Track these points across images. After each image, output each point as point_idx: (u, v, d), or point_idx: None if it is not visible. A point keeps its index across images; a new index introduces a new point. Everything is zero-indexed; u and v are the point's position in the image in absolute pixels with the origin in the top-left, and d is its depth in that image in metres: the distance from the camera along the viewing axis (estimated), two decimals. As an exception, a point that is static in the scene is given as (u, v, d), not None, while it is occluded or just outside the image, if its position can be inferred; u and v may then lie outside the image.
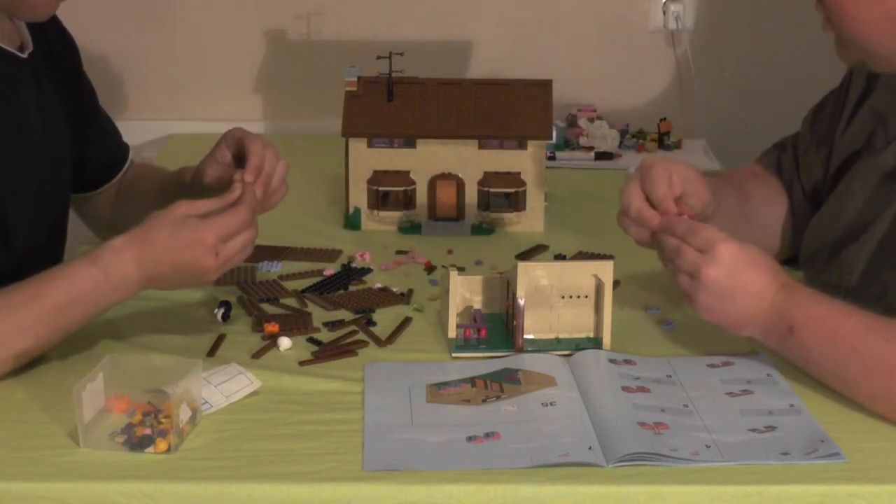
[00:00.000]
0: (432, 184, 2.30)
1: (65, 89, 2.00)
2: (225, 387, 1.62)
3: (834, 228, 1.89)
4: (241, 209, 1.74)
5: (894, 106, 1.86)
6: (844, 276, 1.83)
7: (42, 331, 1.64)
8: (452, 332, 1.79)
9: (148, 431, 1.50)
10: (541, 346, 1.77)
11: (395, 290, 1.98)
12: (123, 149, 2.19)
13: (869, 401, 1.59)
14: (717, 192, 1.89)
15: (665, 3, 3.13)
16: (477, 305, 1.86)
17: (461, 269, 1.99)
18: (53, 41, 1.98)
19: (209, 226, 1.70)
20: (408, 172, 2.30)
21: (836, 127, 1.98)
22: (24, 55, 1.88)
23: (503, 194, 2.29)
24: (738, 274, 1.67)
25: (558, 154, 2.76)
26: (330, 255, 2.15)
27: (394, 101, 2.32)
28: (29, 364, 1.67)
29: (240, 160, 1.87)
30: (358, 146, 2.30)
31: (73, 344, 1.70)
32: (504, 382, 1.66)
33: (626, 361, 1.73)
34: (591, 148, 2.79)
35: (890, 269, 1.78)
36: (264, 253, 2.12)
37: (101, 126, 2.14)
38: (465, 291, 1.85)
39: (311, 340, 1.80)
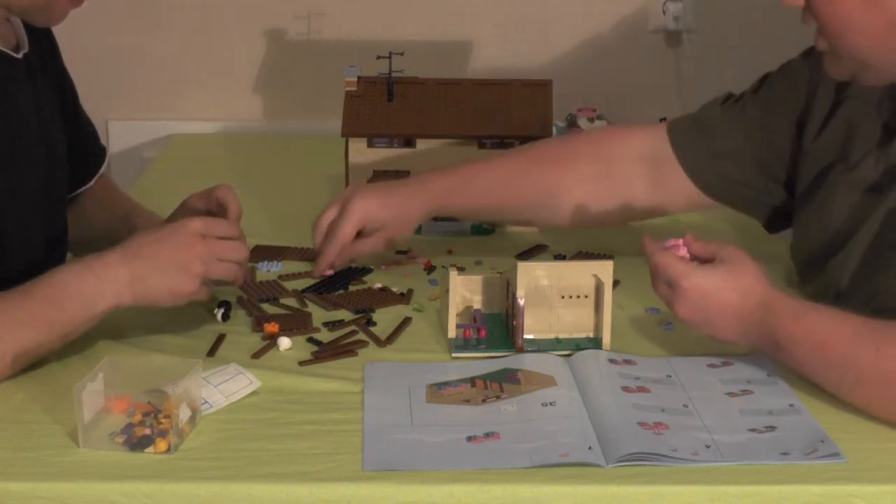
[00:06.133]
0: (432, 184, 2.30)
1: (54, 88, 1.98)
2: (225, 387, 1.62)
3: (818, 239, 1.89)
4: (231, 221, 1.81)
5: (866, 114, 1.85)
6: (833, 284, 1.83)
7: (34, 327, 1.63)
8: (452, 332, 1.79)
9: (148, 431, 1.50)
10: (541, 346, 1.77)
11: (395, 290, 1.98)
12: (101, 151, 2.16)
13: (865, 407, 1.58)
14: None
15: (665, 3, 3.13)
16: (477, 305, 1.86)
17: (461, 269, 1.98)
18: (40, 39, 1.95)
19: (195, 217, 1.76)
20: (408, 172, 2.30)
21: (802, 136, 1.96)
22: (20, 55, 1.87)
23: (503, 194, 2.29)
24: (709, 305, 1.67)
25: (558, 154, 2.75)
26: (330, 255, 2.15)
27: (394, 101, 2.32)
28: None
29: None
30: (358, 146, 2.30)
31: (73, 344, 1.70)
32: (504, 382, 1.66)
33: (626, 361, 1.73)
34: (591, 148, 2.78)
35: (879, 273, 1.78)
36: (264, 253, 2.12)
37: (81, 127, 2.10)
38: (465, 291, 1.85)
39: (311, 340, 1.80)
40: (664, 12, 3.13)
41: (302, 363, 1.73)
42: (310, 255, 2.13)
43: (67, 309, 1.66)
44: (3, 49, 1.83)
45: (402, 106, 2.32)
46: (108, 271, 1.67)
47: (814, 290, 1.86)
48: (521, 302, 1.76)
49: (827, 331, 1.61)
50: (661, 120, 2.88)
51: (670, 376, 1.69)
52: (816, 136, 1.94)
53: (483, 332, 1.79)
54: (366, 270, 2.07)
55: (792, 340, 1.63)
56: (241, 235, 1.81)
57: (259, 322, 1.84)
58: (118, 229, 2.03)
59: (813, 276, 1.91)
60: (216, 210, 1.89)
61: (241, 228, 1.83)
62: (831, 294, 1.81)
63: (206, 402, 1.59)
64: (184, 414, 1.52)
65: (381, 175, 2.30)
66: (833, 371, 1.60)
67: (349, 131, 2.30)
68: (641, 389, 1.64)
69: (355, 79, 2.34)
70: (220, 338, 1.80)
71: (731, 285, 1.67)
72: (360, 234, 2.02)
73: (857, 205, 1.83)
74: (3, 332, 1.62)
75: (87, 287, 1.66)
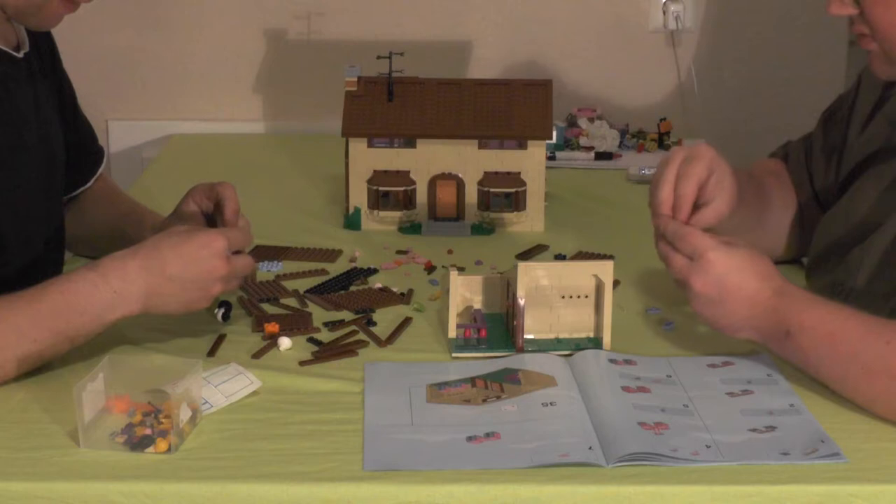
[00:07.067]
0: (432, 184, 2.30)
1: (54, 89, 1.98)
2: (225, 387, 1.62)
3: (843, 228, 1.88)
4: (244, 230, 1.81)
5: None
6: (851, 276, 1.82)
7: (41, 335, 1.62)
8: (452, 332, 1.79)
9: (148, 431, 1.50)
10: (541, 346, 1.77)
11: (395, 290, 1.98)
12: (99, 152, 2.16)
13: (870, 403, 1.58)
14: (740, 194, 1.83)
15: (665, 3, 3.13)
16: (477, 305, 1.86)
17: (461, 269, 1.99)
18: (40, 39, 1.95)
19: (219, 231, 1.74)
20: (408, 172, 2.30)
21: (848, 131, 1.97)
22: (20, 55, 1.87)
23: (503, 194, 2.29)
24: (728, 282, 1.67)
25: (558, 154, 2.76)
26: (330, 255, 2.15)
27: (394, 101, 2.32)
28: (30, 366, 1.67)
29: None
30: (358, 146, 2.30)
31: (73, 344, 1.71)
32: (504, 382, 1.66)
33: (626, 361, 1.73)
34: (591, 148, 2.79)
35: None
36: (264, 253, 2.12)
37: (80, 128, 2.10)
38: (465, 291, 1.85)
39: (311, 340, 1.80)
40: (664, 12, 3.13)
41: (302, 363, 1.73)
42: (310, 256, 2.13)
43: (76, 319, 1.64)
44: (4, 48, 1.83)
45: (402, 106, 2.32)
46: (126, 285, 1.65)
47: (829, 285, 1.86)
48: (522, 302, 1.76)
49: (838, 322, 1.61)
50: (661, 120, 2.89)
51: (670, 376, 1.69)
52: (861, 131, 1.93)
53: (483, 332, 1.79)
54: (370, 271, 2.07)
55: (802, 328, 1.63)
56: (247, 224, 1.84)
57: (259, 322, 1.84)
58: (121, 227, 2.03)
59: (821, 273, 1.91)
60: (217, 204, 1.90)
61: (246, 219, 1.85)
62: (839, 293, 1.81)
63: (206, 402, 1.59)
64: (184, 414, 1.52)
65: (382, 175, 2.30)
66: (840, 363, 1.60)
67: (349, 131, 2.30)
68: (641, 389, 1.64)
69: (355, 79, 2.34)
70: (221, 338, 1.80)
71: (752, 267, 1.67)
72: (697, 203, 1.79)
73: (884, 196, 1.83)
74: (7, 340, 1.61)
75: (100, 299, 1.64)
